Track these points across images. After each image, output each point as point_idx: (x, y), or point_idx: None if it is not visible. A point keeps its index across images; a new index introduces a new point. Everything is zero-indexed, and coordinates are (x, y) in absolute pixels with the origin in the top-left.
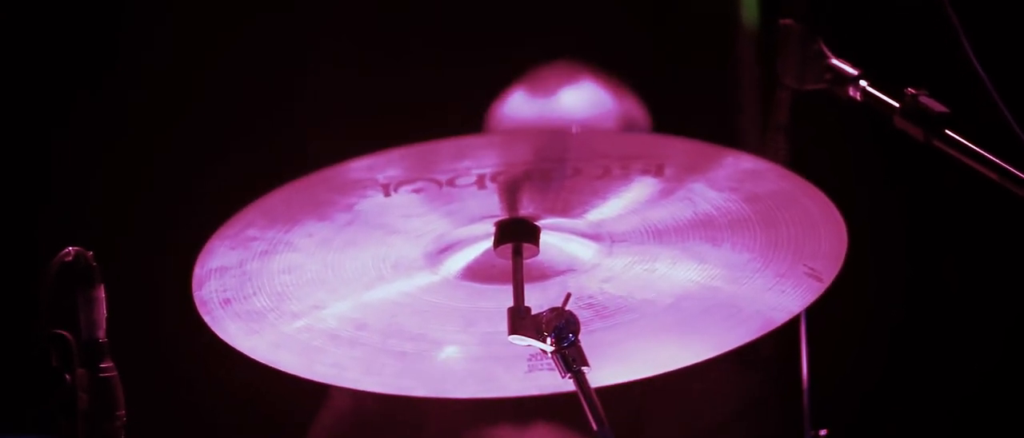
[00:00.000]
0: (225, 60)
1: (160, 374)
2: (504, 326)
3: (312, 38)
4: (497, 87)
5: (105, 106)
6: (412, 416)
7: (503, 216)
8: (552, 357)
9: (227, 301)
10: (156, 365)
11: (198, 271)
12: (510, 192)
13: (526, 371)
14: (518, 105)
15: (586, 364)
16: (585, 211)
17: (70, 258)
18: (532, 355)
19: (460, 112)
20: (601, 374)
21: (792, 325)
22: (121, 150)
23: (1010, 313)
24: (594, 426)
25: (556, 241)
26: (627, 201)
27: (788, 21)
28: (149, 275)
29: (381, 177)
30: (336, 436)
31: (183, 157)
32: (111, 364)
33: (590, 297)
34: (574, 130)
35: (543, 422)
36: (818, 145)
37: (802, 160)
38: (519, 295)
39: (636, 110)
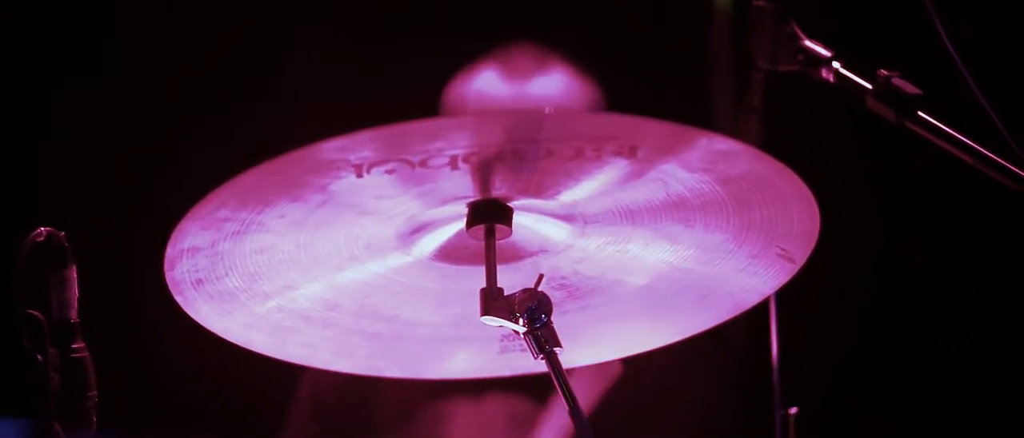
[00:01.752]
0: (198, 43)
1: (132, 355)
2: (477, 307)
3: (286, 21)
4: (469, 70)
5: (79, 89)
6: (366, 393)
7: (476, 197)
8: (524, 338)
9: (199, 282)
10: (128, 346)
11: (170, 251)
12: (483, 173)
13: (498, 352)
14: (482, 86)
15: (558, 345)
16: (558, 192)
17: (42, 238)
18: (504, 336)
19: (432, 95)
20: (573, 355)
21: (762, 305)
22: (93, 131)
23: (977, 292)
24: (567, 408)
25: (529, 222)
26: (600, 182)
27: (761, 3)
28: (121, 255)
29: (354, 158)
30: (304, 425)
31: (156, 138)
32: (82, 344)
33: (563, 278)
34: (547, 111)
35: (497, 395)
36: (791, 127)
37: (775, 142)
38: (491, 276)
39: (592, 93)
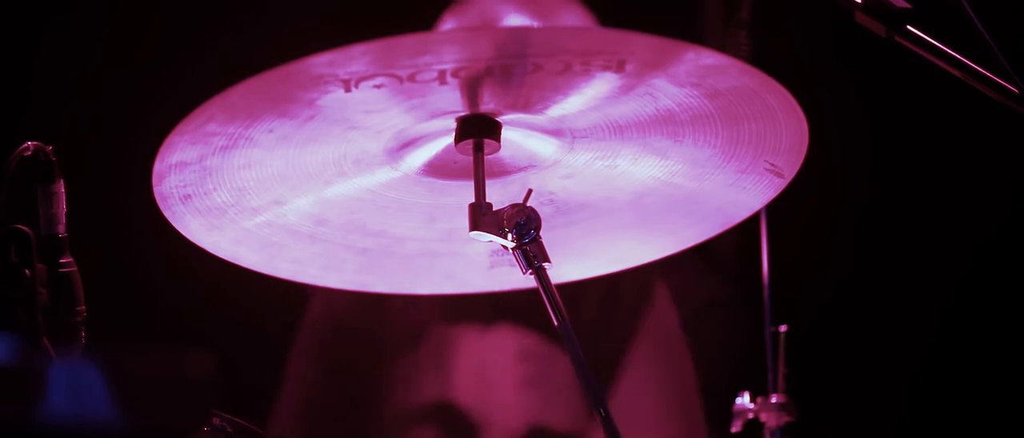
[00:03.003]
0: None
1: (120, 270)
2: (465, 222)
3: None
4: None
5: (67, 5)
6: (380, 316)
7: (464, 112)
8: (513, 253)
9: (187, 197)
10: (116, 261)
11: (158, 166)
12: (471, 88)
13: (488, 267)
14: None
15: (547, 260)
16: (546, 107)
17: (29, 152)
18: (494, 251)
19: (422, 10)
20: (562, 270)
21: (752, 222)
22: (81, 45)
23: (972, 208)
24: (555, 322)
25: (517, 137)
26: (588, 97)
27: None
28: (109, 169)
29: (342, 72)
30: (316, 341)
31: (144, 51)
32: (71, 259)
33: (551, 193)
34: (535, 25)
35: (507, 323)
36: (779, 41)
37: (763, 56)
38: (480, 191)
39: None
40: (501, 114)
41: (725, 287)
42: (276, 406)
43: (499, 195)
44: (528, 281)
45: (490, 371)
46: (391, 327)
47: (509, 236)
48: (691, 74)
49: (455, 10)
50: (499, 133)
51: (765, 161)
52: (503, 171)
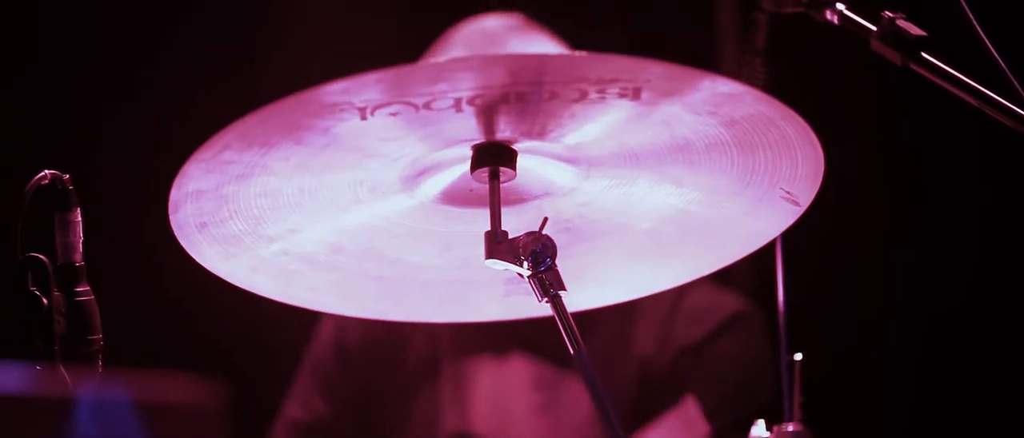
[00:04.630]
0: None
1: (137, 298)
2: (481, 250)
3: None
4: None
5: (83, 29)
6: (392, 347)
7: (480, 140)
8: (529, 281)
9: (203, 224)
10: (133, 289)
11: (174, 194)
12: (487, 115)
13: (503, 295)
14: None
15: (563, 288)
16: (562, 135)
17: (46, 181)
18: (509, 279)
19: (436, 37)
20: (578, 298)
21: (768, 249)
22: (98, 72)
23: (988, 234)
24: (571, 350)
25: (533, 165)
26: (604, 125)
27: None
28: (126, 198)
29: (357, 100)
30: (322, 369)
31: (161, 80)
32: (87, 288)
33: (567, 221)
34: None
35: (520, 352)
36: (795, 69)
37: (779, 84)
38: (496, 219)
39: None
40: (517, 142)
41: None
42: (274, 427)
43: (515, 223)
44: (543, 309)
45: (506, 401)
46: (404, 360)
47: (525, 264)
48: (707, 102)
49: (433, 48)
50: (515, 161)
51: (781, 189)
52: (519, 199)
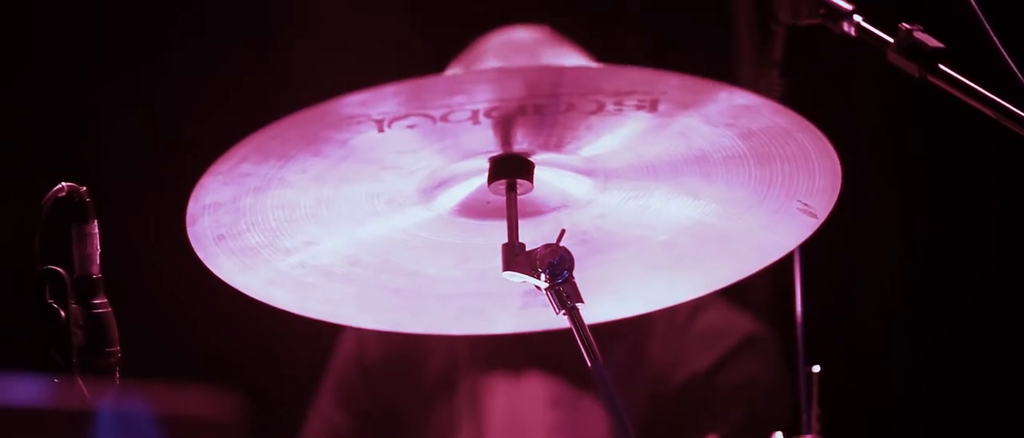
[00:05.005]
0: None
1: (154, 310)
2: (498, 262)
3: None
4: (489, 23)
5: (99, 41)
6: (412, 362)
7: (497, 152)
8: (546, 293)
9: (221, 237)
10: (150, 301)
11: (192, 207)
12: (504, 127)
13: (520, 307)
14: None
15: (580, 300)
16: (579, 147)
17: (64, 193)
18: (526, 292)
19: (453, 50)
20: (595, 310)
21: (786, 261)
22: (115, 84)
23: (1007, 247)
24: (588, 363)
25: (550, 177)
26: (621, 137)
27: None
28: (143, 211)
29: (375, 113)
30: (344, 384)
31: (178, 92)
32: (105, 300)
33: (584, 233)
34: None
35: (536, 369)
36: (812, 80)
37: (796, 96)
38: (513, 231)
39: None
40: (534, 154)
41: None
42: None
43: (532, 235)
44: (560, 321)
45: (522, 419)
46: (422, 375)
47: (542, 276)
48: (724, 114)
49: (461, 58)
50: (532, 173)
51: (798, 201)
52: (536, 211)
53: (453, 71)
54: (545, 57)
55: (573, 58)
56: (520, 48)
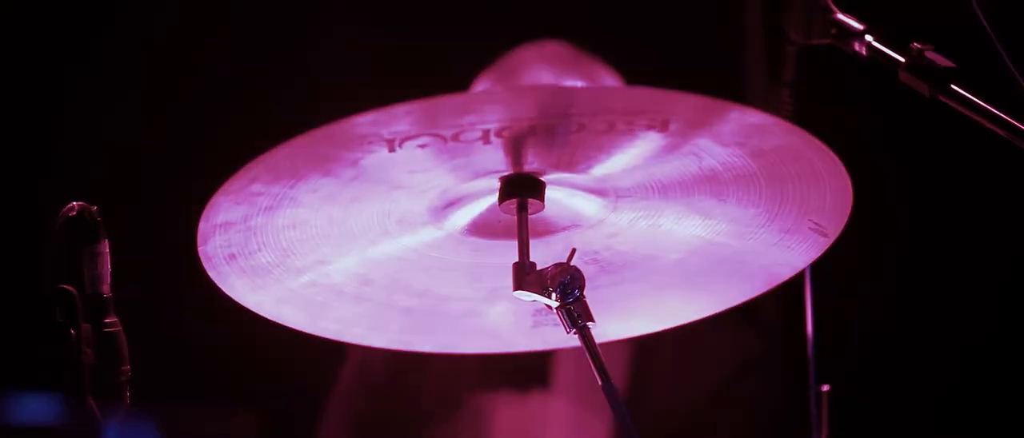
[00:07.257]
0: (232, 15)
1: (165, 329)
2: (509, 281)
3: None
4: (503, 44)
5: (110, 60)
6: (415, 381)
7: (508, 171)
8: (557, 312)
9: (232, 256)
10: (161, 320)
11: (203, 226)
12: (515, 147)
13: (531, 327)
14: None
15: (591, 320)
16: (590, 166)
17: (74, 213)
18: (537, 311)
19: (466, 70)
20: (606, 329)
21: (796, 281)
22: (126, 104)
23: (1017, 265)
24: (599, 381)
25: (561, 197)
26: (632, 156)
27: None
28: (154, 230)
29: (386, 132)
30: (347, 403)
31: (188, 112)
32: (115, 319)
33: (595, 253)
34: (579, 85)
35: (542, 390)
36: (823, 100)
37: (807, 115)
38: (524, 251)
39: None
40: (545, 173)
41: (763, 347)
42: None
43: (543, 254)
44: (571, 340)
45: None
46: (428, 394)
47: (553, 296)
48: (735, 133)
49: (490, 72)
50: (543, 193)
51: (809, 220)
52: (547, 230)
53: (482, 84)
54: (576, 75)
55: (601, 75)
56: (556, 60)
